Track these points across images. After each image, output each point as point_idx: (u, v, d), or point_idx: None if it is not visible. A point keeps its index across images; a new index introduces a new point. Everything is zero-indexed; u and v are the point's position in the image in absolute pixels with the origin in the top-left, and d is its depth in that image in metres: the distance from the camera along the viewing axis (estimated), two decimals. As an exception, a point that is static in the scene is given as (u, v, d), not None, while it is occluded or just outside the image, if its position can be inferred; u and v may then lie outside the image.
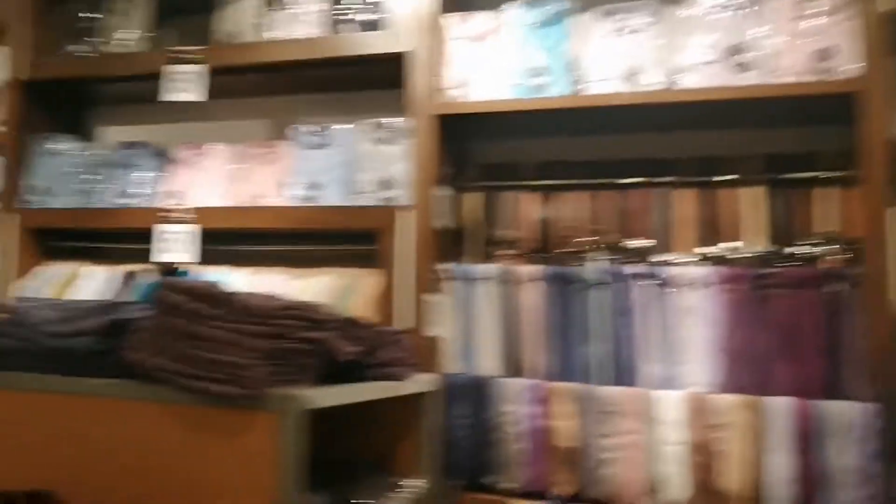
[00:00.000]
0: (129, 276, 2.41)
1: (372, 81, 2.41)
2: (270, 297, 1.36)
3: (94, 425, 1.37)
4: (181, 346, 1.29)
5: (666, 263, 2.02)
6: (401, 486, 1.60)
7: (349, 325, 1.49)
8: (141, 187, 2.48)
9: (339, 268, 2.28)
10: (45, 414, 1.42)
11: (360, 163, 2.25)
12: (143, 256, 2.37)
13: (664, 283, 1.95)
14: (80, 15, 2.60)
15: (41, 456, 1.40)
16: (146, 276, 2.39)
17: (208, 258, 2.35)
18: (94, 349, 1.40)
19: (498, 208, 2.26)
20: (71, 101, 2.82)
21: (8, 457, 1.43)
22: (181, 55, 2.36)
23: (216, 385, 1.25)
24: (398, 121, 2.22)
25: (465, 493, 1.97)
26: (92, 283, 2.44)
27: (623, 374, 1.95)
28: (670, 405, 1.87)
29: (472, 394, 2.01)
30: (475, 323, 2.09)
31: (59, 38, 2.63)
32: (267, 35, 2.34)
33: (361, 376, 1.52)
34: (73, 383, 1.40)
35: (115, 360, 1.37)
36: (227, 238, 2.37)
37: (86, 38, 2.58)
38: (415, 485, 1.63)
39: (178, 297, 1.30)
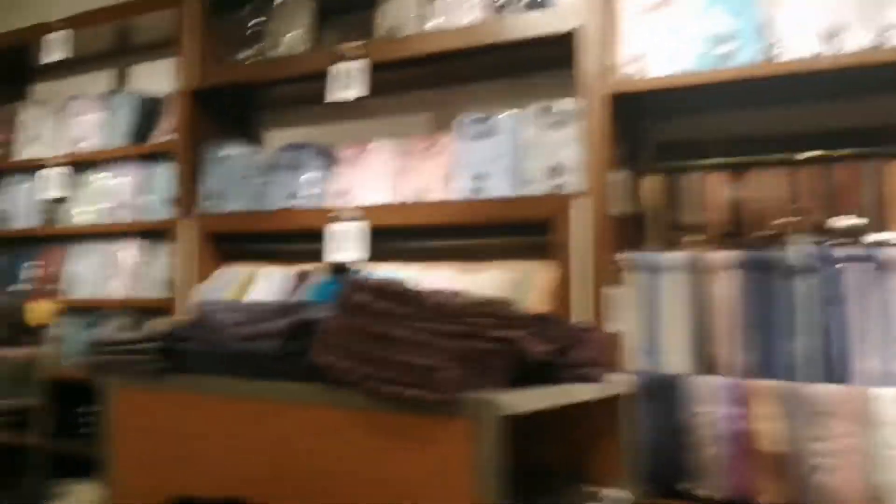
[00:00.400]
0: (302, 275, 2.43)
1: (538, 64, 2.33)
2: (456, 294, 1.29)
3: (282, 430, 1.35)
4: (369, 348, 1.23)
5: (883, 244, 1.81)
6: (602, 497, 1.48)
7: (540, 323, 1.39)
8: (309, 188, 2.50)
9: (511, 261, 2.22)
10: (233, 418, 1.41)
11: (528, 150, 2.19)
12: (314, 256, 2.40)
13: (882, 267, 1.75)
14: (247, 22, 2.66)
15: (230, 461, 1.39)
16: (318, 275, 2.40)
17: (377, 255, 2.35)
18: (280, 351, 1.38)
19: (682, 190, 2.11)
20: (238, 107, 2.90)
21: (198, 462, 1.43)
22: (343, 53, 2.35)
23: (408, 389, 1.18)
24: (567, 103, 2.13)
25: (660, 501, 1.85)
26: (269, 283, 2.49)
27: (834, 370, 1.77)
28: (894, 405, 1.67)
29: (662, 393, 1.89)
30: (661, 316, 1.95)
31: (225, 45, 2.70)
32: (429, 25, 2.29)
33: (552, 378, 1.41)
34: (259, 387, 1.38)
35: (300, 363, 1.34)
36: (395, 234, 2.36)
37: (251, 44, 2.63)
38: (618, 495, 1.51)
39: (365, 296, 1.25)
